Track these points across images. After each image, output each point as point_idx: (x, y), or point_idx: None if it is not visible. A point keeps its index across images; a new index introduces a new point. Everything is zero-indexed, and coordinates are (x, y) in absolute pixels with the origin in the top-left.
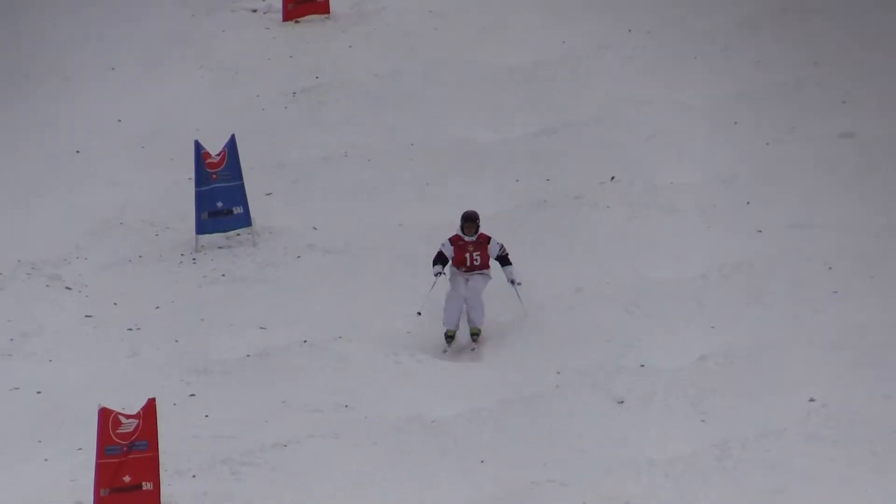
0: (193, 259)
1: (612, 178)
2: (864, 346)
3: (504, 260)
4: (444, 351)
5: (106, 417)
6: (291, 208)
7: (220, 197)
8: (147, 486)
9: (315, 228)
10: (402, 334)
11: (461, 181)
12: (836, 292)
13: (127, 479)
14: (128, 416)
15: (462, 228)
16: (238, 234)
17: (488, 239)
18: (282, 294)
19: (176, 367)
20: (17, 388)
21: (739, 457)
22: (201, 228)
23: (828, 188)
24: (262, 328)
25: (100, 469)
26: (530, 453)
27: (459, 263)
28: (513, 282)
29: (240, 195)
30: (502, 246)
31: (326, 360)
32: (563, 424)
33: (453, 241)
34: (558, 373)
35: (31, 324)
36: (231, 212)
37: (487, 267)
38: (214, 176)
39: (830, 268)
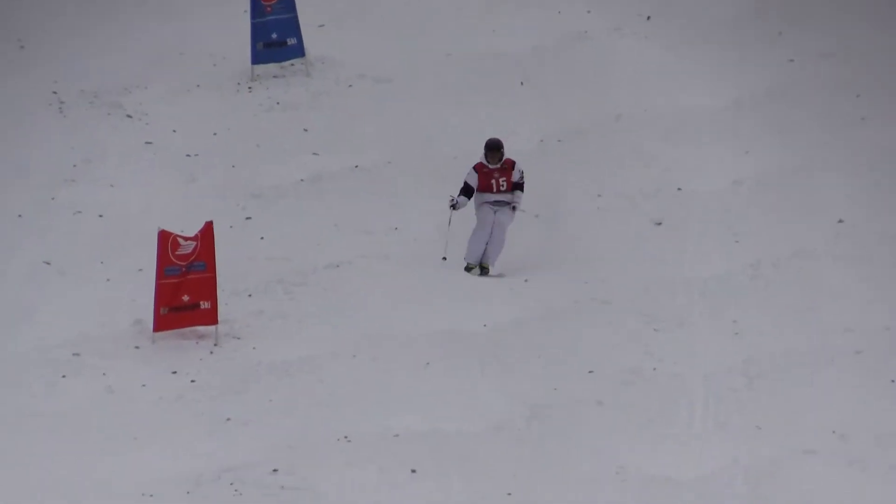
0: (249, 88)
1: (648, 17)
2: (890, 169)
3: (518, 186)
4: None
5: (165, 239)
6: (343, 39)
7: (274, 28)
8: (205, 304)
9: (365, 59)
10: (449, 160)
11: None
12: (863, 119)
13: (185, 298)
14: (186, 239)
15: (486, 157)
16: (292, 65)
17: (513, 164)
18: (334, 121)
19: (232, 191)
20: (80, 212)
21: (771, 276)
22: (256, 58)
23: (857, 16)
24: (314, 154)
25: (159, 289)
26: (572, 273)
27: (485, 189)
28: (514, 207)
29: (293, 27)
30: (522, 173)
31: (377, 185)
32: (603, 245)
33: (477, 168)
34: (599, 196)
35: (93, 151)
36: (285, 43)
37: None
38: (269, 8)
39: (858, 95)
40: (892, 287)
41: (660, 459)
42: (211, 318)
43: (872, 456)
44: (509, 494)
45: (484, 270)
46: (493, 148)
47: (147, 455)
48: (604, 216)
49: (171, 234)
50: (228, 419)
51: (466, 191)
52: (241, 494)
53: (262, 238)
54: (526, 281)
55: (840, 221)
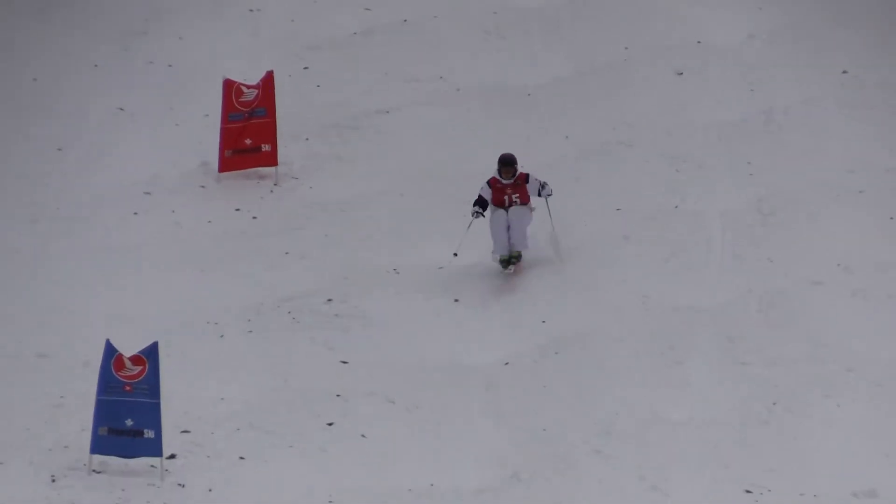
0: None
1: None
2: (891, 20)
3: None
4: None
5: (229, 87)
6: None
7: None
8: (266, 147)
9: None
10: (489, 13)
11: None
12: None
13: (248, 141)
14: (248, 87)
15: (499, 172)
16: None
17: (526, 177)
18: None
19: (291, 43)
20: (152, 62)
21: (782, 121)
22: None
23: None
24: (366, 9)
25: (224, 133)
26: (602, 117)
27: (499, 204)
28: (544, 194)
29: None
30: (543, 184)
31: (424, 37)
32: (630, 92)
33: (491, 183)
34: (626, 48)
35: (163, 3)
36: None
37: (528, 202)
38: None
39: None
40: (892, 132)
41: (680, 289)
42: (271, 159)
43: (873, 286)
44: (543, 322)
45: (514, 259)
46: (507, 163)
47: (211, 286)
48: (630, 67)
49: (234, 82)
50: (287, 253)
51: (481, 202)
52: (297, 322)
53: (318, 86)
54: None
55: (844, 72)
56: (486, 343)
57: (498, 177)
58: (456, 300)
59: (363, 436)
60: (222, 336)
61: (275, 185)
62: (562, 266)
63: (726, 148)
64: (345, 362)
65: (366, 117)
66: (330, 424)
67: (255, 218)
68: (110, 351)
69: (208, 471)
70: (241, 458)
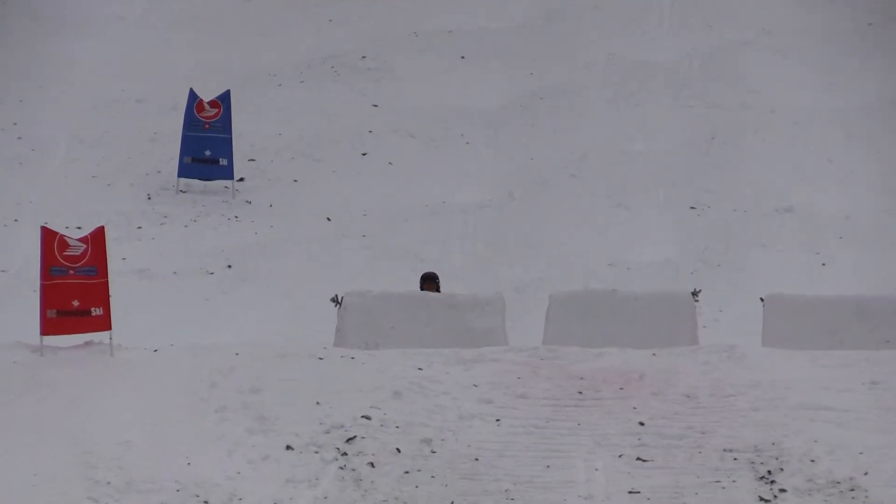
0: None
1: None
2: None
3: None
4: None
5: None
6: None
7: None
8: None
9: None
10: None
11: None
12: None
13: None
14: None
15: (421, 287)
16: None
17: None
18: None
19: None
20: None
21: None
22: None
23: None
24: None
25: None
26: None
27: None
28: None
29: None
30: None
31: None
32: None
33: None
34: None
35: None
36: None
37: None
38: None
39: None
40: None
41: (641, 47)
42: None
43: (792, 48)
44: (531, 74)
45: None
46: (429, 280)
47: (271, 46)
48: None
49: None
50: (330, 20)
51: None
52: (339, 74)
53: None
54: None
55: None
56: (487, 91)
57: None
58: (462, 57)
59: (390, 163)
60: (280, 85)
61: None
62: (546, 31)
63: None
64: (375, 105)
65: None
66: (364, 154)
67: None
68: (193, 97)
69: (269, 190)
70: (295, 180)
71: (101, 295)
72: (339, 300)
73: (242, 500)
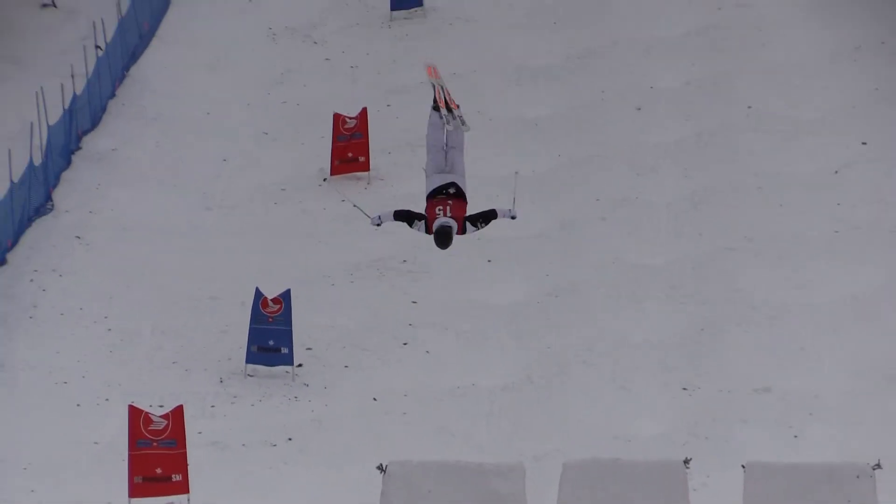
0: (388, 26)
1: None
2: None
3: (487, 218)
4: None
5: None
6: None
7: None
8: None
9: None
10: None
11: None
12: None
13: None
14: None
15: (437, 243)
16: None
17: (464, 228)
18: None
19: (377, 88)
20: (286, 102)
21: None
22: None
23: None
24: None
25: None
26: None
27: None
28: (513, 216)
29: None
30: (478, 223)
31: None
32: None
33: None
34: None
35: (292, 65)
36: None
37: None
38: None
39: None
40: None
41: (639, 251)
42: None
43: (770, 250)
44: (547, 275)
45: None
46: (442, 239)
47: (326, 251)
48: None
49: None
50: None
51: (406, 216)
52: (383, 275)
53: (396, 118)
54: None
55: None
56: (509, 289)
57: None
58: (489, 261)
59: (427, 352)
60: (333, 285)
61: (367, 184)
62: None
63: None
64: (414, 302)
65: None
66: (405, 344)
67: (354, 206)
68: (258, 295)
69: (323, 374)
70: (346, 366)
71: (181, 463)
72: (384, 468)
73: None
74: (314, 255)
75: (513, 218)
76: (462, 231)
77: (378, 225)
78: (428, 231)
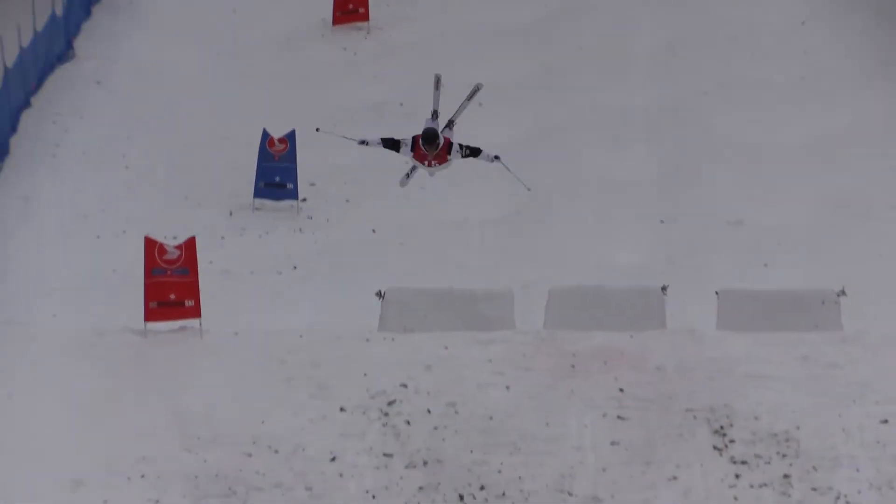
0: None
1: None
2: None
3: (474, 152)
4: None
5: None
6: None
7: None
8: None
9: None
10: None
11: None
12: None
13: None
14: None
15: (423, 145)
16: None
17: (450, 145)
18: None
19: None
20: None
21: None
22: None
23: None
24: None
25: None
26: None
27: (420, 159)
28: (496, 157)
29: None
30: (463, 147)
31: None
32: None
33: (415, 142)
34: None
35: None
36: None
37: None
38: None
39: None
40: None
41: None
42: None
43: (742, 97)
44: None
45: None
46: (429, 140)
47: (326, 94)
48: None
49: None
50: (374, 76)
51: (392, 144)
52: (382, 117)
53: None
54: None
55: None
56: (498, 132)
57: (421, 145)
58: (480, 104)
59: (422, 188)
60: (335, 126)
61: (367, 34)
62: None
63: None
64: None
65: None
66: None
67: (355, 55)
68: (265, 135)
69: (326, 208)
70: (347, 200)
71: (193, 290)
72: (383, 294)
73: (305, 450)
74: (317, 100)
75: (496, 158)
76: (447, 151)
77: (364, 143)
78: (415, 148)
